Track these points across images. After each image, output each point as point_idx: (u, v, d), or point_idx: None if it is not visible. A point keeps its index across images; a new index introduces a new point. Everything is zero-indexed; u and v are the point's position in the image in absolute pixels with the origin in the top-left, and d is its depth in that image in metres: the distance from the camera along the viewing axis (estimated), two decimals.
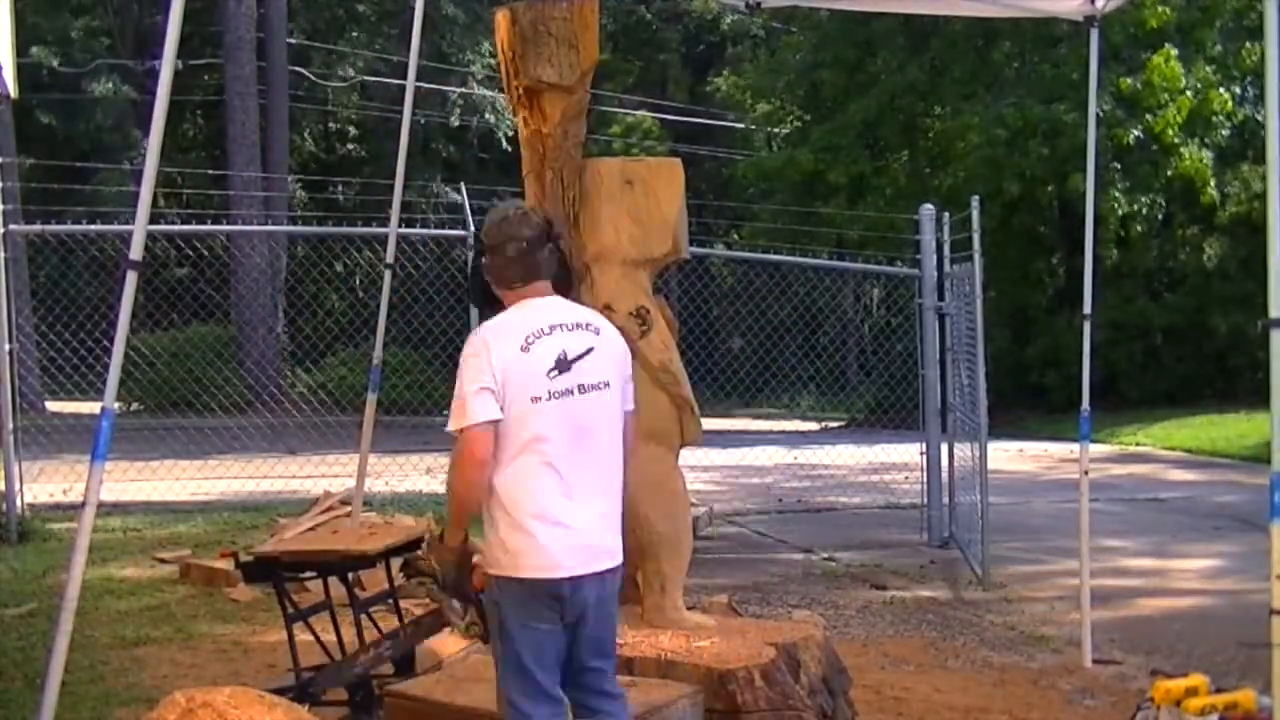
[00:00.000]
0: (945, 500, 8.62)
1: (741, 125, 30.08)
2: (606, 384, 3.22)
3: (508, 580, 3.13)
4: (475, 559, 3.26)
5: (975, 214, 7.53)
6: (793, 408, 20.95)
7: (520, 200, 3.34)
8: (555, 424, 3.13)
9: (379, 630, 4.87)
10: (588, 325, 3.27)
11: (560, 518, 3.12)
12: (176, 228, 13.30)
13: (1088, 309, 5.66)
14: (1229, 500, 10.53)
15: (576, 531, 3.13)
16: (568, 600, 3.12)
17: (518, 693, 3.14)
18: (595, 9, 4.87)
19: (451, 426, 3.11)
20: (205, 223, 11.91)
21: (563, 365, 3.15)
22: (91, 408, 10.94)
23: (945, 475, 8.60)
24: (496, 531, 3.16)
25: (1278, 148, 3.71)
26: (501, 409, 3.09)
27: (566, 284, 3.36)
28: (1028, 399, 19.57)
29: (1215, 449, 14.28)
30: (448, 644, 4.93)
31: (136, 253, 3.55)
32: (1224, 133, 19.32)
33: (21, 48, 19.16)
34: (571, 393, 3.15)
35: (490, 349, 3.12)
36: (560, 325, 3.20)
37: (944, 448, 8.66)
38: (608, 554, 3.21)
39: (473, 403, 3.08)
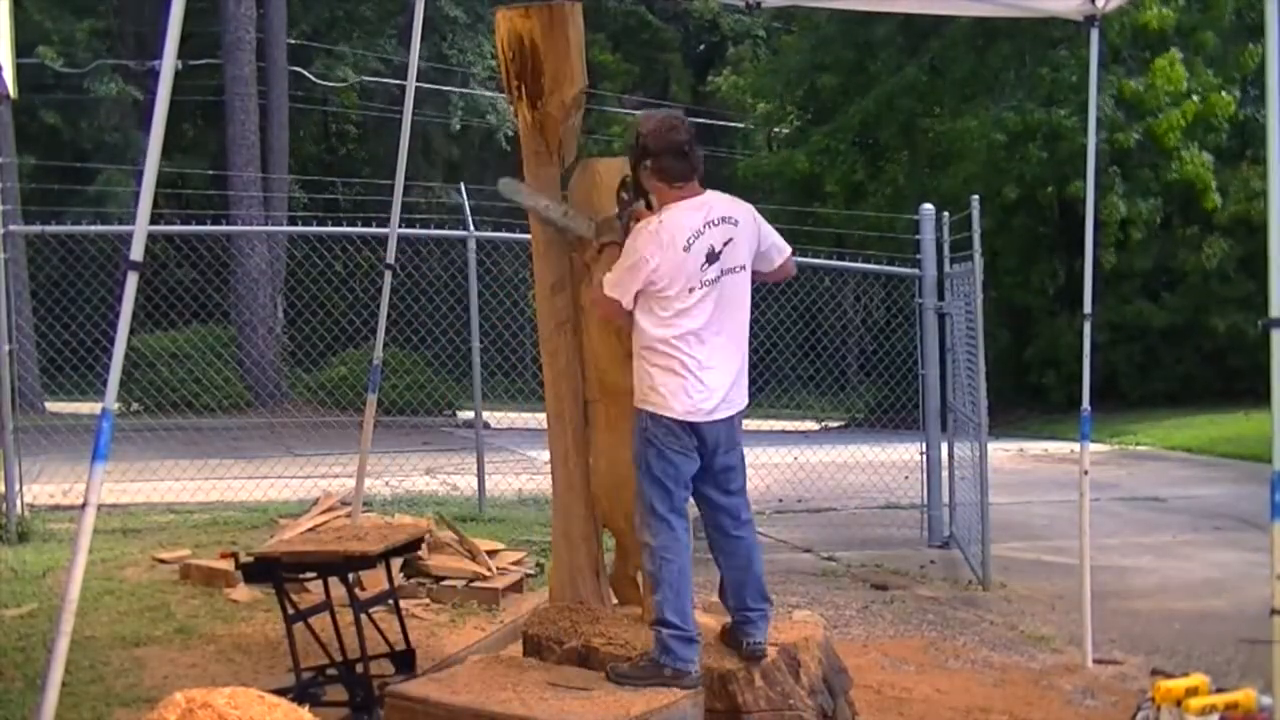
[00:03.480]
0: (945, 500, 8.61)
1: (742, 125, 30.06)
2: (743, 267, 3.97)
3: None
4: None
5: (975, 213, 7.52)
6: (792, 407, 20.91)
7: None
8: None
9: (379, 631, 4.88)
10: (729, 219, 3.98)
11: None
12: (176, 228, 13.26)
13: (1088, 309, 5.67)
14: (1229, 500, 10.53)
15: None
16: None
17: None
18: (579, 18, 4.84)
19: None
20: (205, 223, 11.89)
21: (712, 257, 3.89)
22: (91, 408, 10.96)
23: (945, 475, 8.60)
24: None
25: (1278, 148, 3.71)
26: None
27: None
28: (1027, 399, 19.57)
29: (1215, 449, 14.26)
30: None
31: (137, 253, 3.54)
32: (1223, 134, 19.29)
33: (28, 48, 19.21)
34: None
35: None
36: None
37: (944, 447, 8.65)
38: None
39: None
